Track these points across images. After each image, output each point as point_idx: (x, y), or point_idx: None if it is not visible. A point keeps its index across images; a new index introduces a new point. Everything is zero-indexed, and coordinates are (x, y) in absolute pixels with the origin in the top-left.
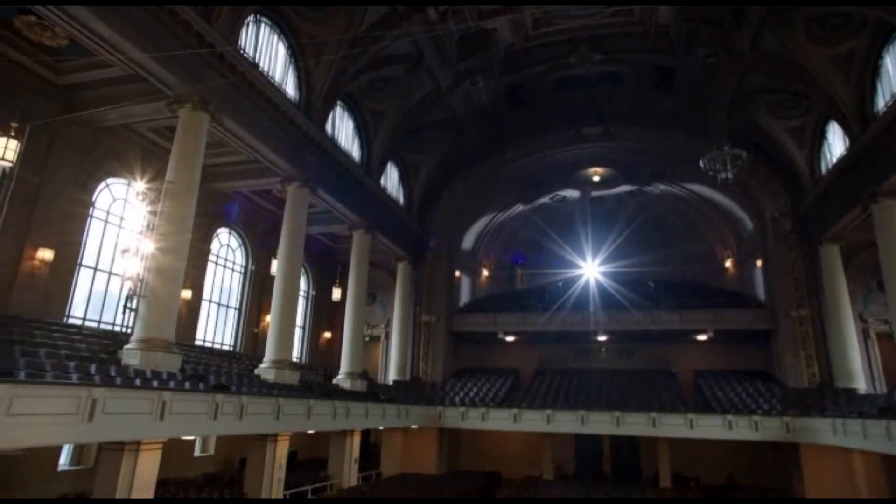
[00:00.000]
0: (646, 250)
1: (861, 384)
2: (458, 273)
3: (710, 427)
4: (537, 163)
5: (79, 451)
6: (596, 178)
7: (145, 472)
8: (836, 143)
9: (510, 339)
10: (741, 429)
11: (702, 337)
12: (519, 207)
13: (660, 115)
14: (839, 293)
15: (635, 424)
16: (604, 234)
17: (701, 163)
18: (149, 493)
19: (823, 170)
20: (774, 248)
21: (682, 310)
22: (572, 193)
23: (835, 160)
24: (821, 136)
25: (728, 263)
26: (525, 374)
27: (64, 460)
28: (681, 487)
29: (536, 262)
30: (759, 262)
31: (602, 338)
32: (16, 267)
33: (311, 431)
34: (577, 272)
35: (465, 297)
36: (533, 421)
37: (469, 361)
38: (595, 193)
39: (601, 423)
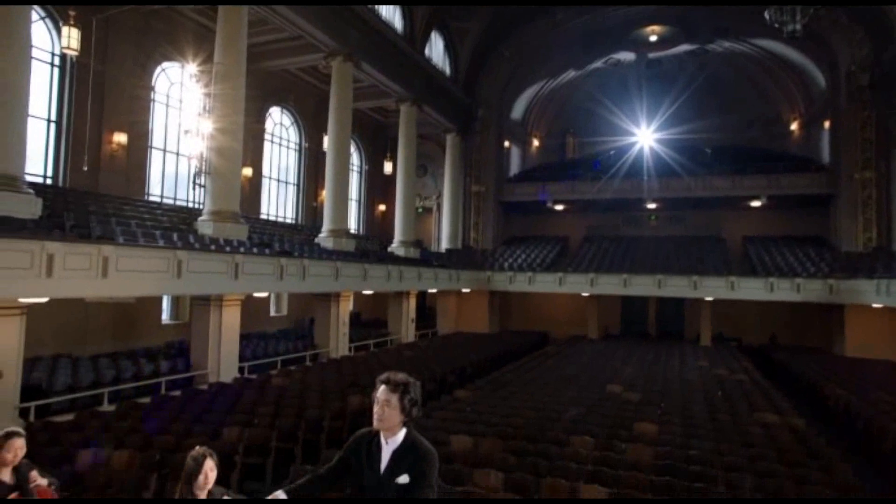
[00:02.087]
0: (704, 115)
1: None
2: (507, 143)
3: (750, 289)
4: (589, 24)
5: (176, 308)
6: (653, 38)
7: (229, 324)
8: None
9: (559, 207)
10: (782, 291)
11: (755, 203)
12: (570, 74)
13: None
14: None
15: (677, 287)
16: (660, 100)
17: (766, 14)
18: (234, 341)
19: None
20: (846, 107)
21: (736, 175)
22: (627, 56)
23: None
24: None
25: (794, 126)
26: (573, 242)
27: (166, 315)
28: (720, 346)
29: (588, 131)
30: (826, 124)
31: (652, 205)
32: (98, 150)
33: (368, 292)
34: (631, 140)
35: (515, 167)
36: (577, 284)
37: (519, 230)
38: (652, 55)
39: (643, 286)
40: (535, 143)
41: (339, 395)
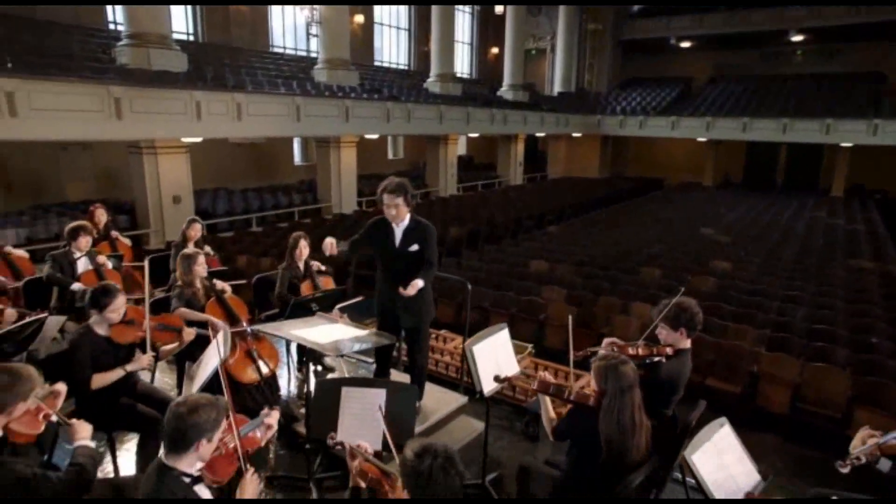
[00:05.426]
0: None
1: None
2: None
3: None
4: None
5: (305, 151)
6: None
7: (347, 163)
8: None
9: (685, 45)
10: None
11: None
12: None
13: None
14: None
15: (805, 131)
16: None
17: None
18: (352, 179)
19: None
20: None
21: None
22: None
23: None
24: None
25: None
26: (697, 83)
27: (298, 158)
28: (853, 198)
29: None
30: None
31: (797, 38)
32: (226, 6)
33: (473, 135)
34: None
35: None
36: (692, 128)
37: (638, 71)
38: None
39: (765, 130)
40: None
41: (443, 225)
